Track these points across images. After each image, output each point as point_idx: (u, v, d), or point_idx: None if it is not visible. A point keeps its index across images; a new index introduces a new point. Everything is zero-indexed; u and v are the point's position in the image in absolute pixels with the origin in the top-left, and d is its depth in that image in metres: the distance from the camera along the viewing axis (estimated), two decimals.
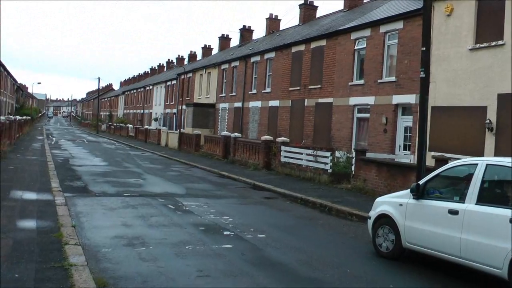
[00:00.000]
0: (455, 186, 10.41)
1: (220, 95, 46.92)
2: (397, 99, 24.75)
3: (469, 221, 9.13)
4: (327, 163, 23.51)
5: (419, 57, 23.15)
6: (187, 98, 54.35)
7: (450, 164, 10.56)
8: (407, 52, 24.33)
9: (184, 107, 50.73)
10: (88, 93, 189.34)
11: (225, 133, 35.70)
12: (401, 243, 10.63)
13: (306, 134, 31.85)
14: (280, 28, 50.49)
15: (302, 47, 33.36)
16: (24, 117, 57.54)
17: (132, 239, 10.99)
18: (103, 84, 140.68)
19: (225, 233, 12.35)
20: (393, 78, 25.13)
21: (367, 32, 27.25)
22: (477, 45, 20.60)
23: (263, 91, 38.17)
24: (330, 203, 17.62)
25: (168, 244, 10.72)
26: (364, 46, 27.53)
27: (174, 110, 60.86)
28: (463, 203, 9.37)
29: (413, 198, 10.50)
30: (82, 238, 10.64)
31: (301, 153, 25.56)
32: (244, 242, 11.52)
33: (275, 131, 35.01)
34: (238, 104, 42.38)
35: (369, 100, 26.55)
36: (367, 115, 26.82)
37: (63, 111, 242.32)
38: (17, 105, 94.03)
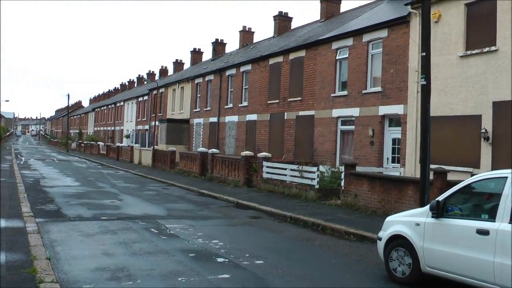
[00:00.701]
0: (480, 203, 9.32)
1: (194, 110, 45.64)
2: (384, 110, 23.80)
3: (503, 242, 8.05)
4: (313, 179, 22.40)
5: (405, 66, 22.52)
6: (159, 114, 52.95)
7: (473, 178, 9.46)
8: (393, 61, 23.43)
9: (157, 123, 49.27)
10: (57, 111, 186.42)
11: (202, 149, 34.42)
12: (419, 267, 9.52)
13: (286, 149, 30.74)
14: (254, 41, 49.51)
15: (280, 59, 32.32)
16: None
17: (116, 271, 9.70)
18: (72, 101, 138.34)
19: (219, 260, 11.12)
20: (378, 88, 24.19)
21: (349, 42, 26.32)
22: (468, 52, 19.75)
23: (239, 105, 37.03)
24: (323, 221, 16.53)
25: (158, 276, 9.46)
26: (346, 56, 26.58)
27: (146, 127, 59.39)
28: (494, 221, 8.30)
29: (432, 217, 9.39)
30: (59, 273, 9.32)
31: (285, 169, 24.42)
32: (242, 270, 10.31)
33: (254, 146, 33.87)
34: (213, 119, 41.16)
35: (354, 111, 25.56)
36: (352, 127, 25.82)
37: (32, 130, 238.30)
38: None
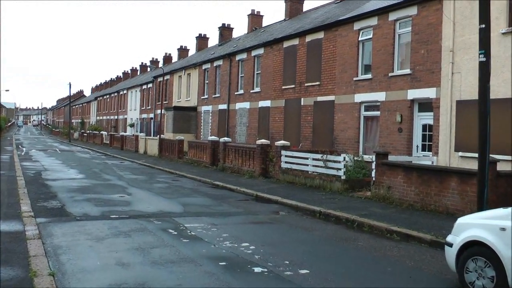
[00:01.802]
0: None
1: (202, 97, 43.67)
2: (414, 93, 21.89)
3: None
4: (339, 169, 20.56)
5: (438, 46, 20.60)
6: (165, 102, 50.98)
7: None
8: (424, 41, 21.50)
9: (163, 111, 47.30)
10: (58, 101, 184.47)
11: (212, 137, 32.51)
12: (506, 283, 7.65)
13: (304, 136, 28.84)
14: (263, 25, 47.47)
15: (295, 41, 30.35)
16: None
17: None
18: (73, 90, 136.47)
19: (256, 269, 9.30)
20: (407, 71, 22.27)
21: (373, 21, 24.36)
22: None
23: (251, 91, 35.07)
24: (358, 217, 14.78)
25: None
26: (370, 36, 24.61)
27: (151, 115, 57.49)
28: None
29: None
30: None
31: (307, 158, 22.56)
32: (288, 284, 8.53)
33: (267, 134, 31.98)
34: (223, 106, 39.21)
35: (379, 96, 23.65)
36: (377, 113, 23.91)
37: (33, 120, 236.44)
38: None
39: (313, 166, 22.15)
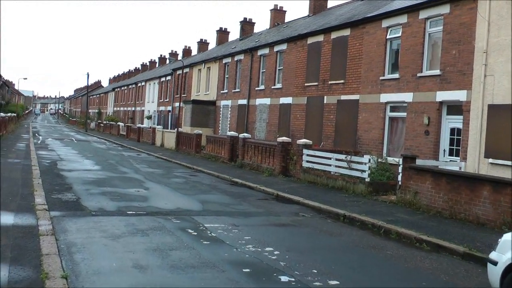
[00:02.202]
0: None
1: (222, 92, 43.02)
2: (443, 95, 21.11)
3: None
4: (364, 171, 19.86)
5: (471, 46, 19.80)
6: (183, 95, 50.38)
7: None
8: (456, 41, 20.70)
9: (181, 104, 46.70)
10: (75, 90, 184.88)
11: (231, 133, 31.85)
12: None
13: (325, 135, 28.12)
14: (286, 20, 46.74)
15: (320, 38, 29.60)
16: (9, 114, 53.42)
17: None
18: (91, 81, 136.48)
19: (283, 279, 8.66)
20: (437, 71, 21.48)
21: (402, 19, 23.57)
22: None
23: (272, 87, 34.36)
24: (385, 223, 14.08)
25: None
26: (399, 35, 23.83)
27: (169, 108, 56.96)
28: None
29: None
30: None
31: (330, 158, 21.87)
32: None
33: (288, 132, 31.28)
34: (242, 101, 38.55)
35: (406, 97, 22.89)
36: (403, 114, 23.15)
37: (51, 108, 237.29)
38: (2, 102, 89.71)
39: (336, 166, 21.47)
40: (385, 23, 24.71)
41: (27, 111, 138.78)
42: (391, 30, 24.50)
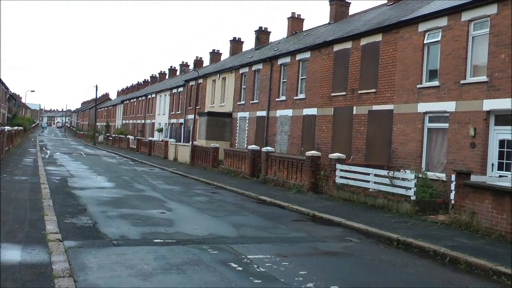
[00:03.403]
0: None
1: (238, 103, 41.03)
2: (490, 104, 19.16)
3: None
4: (409, 188, 17.87)
5: None
6: (197, 107, 48.46)
7: None
8: (505, 44, 18.79)
9: (194, 116, 44.73)
10: (83, 103, 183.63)
11: (253, 146, 29.91)
12: None
13: (355, 148, 26.14)
14: (304, 29, 44.88)
15: (348, 45, 27.68)
16: (16, 128, 51.69)
17: None
18: (99, 93, 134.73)
19: None
20: (483, 78, 19.54)
21: (442, 22, 21.66)
22: None
23: (294, 98, 32.41)
24: (449, 250, 12.20)
25: None
26: (438, 39, 21.91)
27: (181, 120, 55.07)
28: None
29: None
30: None
31: (368, 174, 19.88)
32: None
33: (312, 144, 29.33)
34: (261, 113, 36.57)
35: (448, 106, 20.93)
36: (445, 125, 21.18)
37: (58, 122, 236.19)
38: (9, 115, 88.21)
39: (375, 183, 19.49)
40: (422, 27, 22.79)
41: (34, 125, 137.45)
42: (428, 34, 22.58)
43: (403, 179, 18.22)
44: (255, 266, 9.98)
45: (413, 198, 17.71)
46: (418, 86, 22.57)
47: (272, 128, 34.90)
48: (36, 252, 9.49)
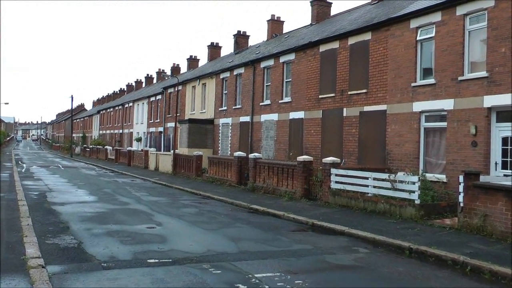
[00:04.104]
0: None
1: (220, 109, 39.79)
2: (491, 100, 18.23)
3: None
4: (413, 191, 16.87)
5: None
6: (177, 115, 47.09)
7: None
8: (505, 37, 17.90)
9: (173, 124, 43.36)
10: (58, 115, 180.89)
11: (239, 153, 28.73)
12: None
13: (347, 152, 25.09)
14: (284, 31, 43.86)
15: (335, 45, 26.65)
16: None
17: None
18: (74, 104, 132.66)
19: None
20: (483, 73, 18.62)
21: (435, 17, 20.73)
22: None
23: (280, 101, 31.29)
24: (468, 258, 11.29)
25: None
26: (432, 35, 20.98)
27: (160, 129, 53.71)
28: None
29: None
30: None
31: (367, 178, 18.85)
32: None
33: (300, 149, 28.25)
34: (245, 119, 35.40)
35: (445, 104, 19.99)
36: (442, 124, 20.22)
37: (33, 134, 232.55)
38: None
39: (374, 187, 18.47)
40: (414, 23, 21.85)
41: (8, 138, 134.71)
42: (421, 30, 21.65)
43: (406, 182, 17.21)
44: (267, 287, 8.83)
45: (417, 202, 16.72)
46: (413, 84, 21.62)
47: (257, 134, 33.76)
48: (16, 282, 8.24)
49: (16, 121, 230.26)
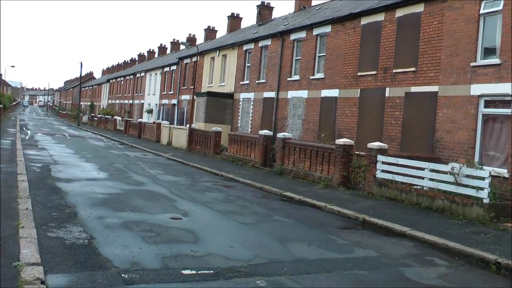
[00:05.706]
0: None
1: (241, 83, 37.03)
2: None
3: None
4: (482, 188, 14.24)
5: None
6: (191, 87, 44.31)
7: None
8: None
9: (192, 97, 40.60)
10: (66, 82, 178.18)
11: (265, 131, 26.13)
12: None
13: (388, 137, 22.45)
14: (312, 4, 40.98)
15: (380, 17, 23.87)
16: None
17: None
18: (83, 72, 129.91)
19: None
20: None
21: None
22: None
23: (311, 77, 28.55)
24: None
25: None
26: (499, 8, 18.22)
27: (174, 101, 51.04)
28: None
29: None
30: None
31: (422, 168, 16.24)
32: None
33: (332, 131, 25.64)
34: (269, 94, 32.69)
35: (510, 88, 17.28)
36: (506, 110, 17.55)
37: (40, 100, 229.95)
38: None
39: (431, 180, 15.88)
40: None
41: (14, 103, 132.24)
42: (486, 2, 18.87)
43: (474, 177, 14.60)
44: None
45: (486, 201, 14.11)
46: (472, 64, 18.90)
47: (282, 111, 31.06)
48: None
49: (23, 86, 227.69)
